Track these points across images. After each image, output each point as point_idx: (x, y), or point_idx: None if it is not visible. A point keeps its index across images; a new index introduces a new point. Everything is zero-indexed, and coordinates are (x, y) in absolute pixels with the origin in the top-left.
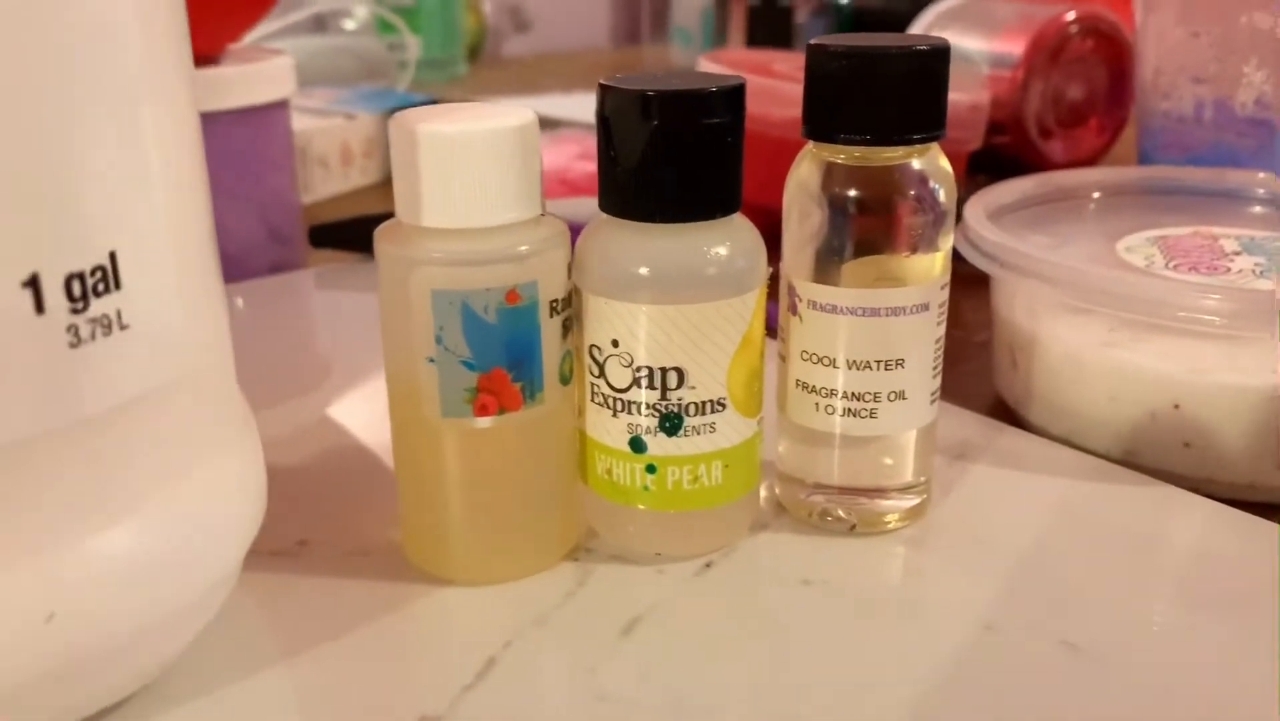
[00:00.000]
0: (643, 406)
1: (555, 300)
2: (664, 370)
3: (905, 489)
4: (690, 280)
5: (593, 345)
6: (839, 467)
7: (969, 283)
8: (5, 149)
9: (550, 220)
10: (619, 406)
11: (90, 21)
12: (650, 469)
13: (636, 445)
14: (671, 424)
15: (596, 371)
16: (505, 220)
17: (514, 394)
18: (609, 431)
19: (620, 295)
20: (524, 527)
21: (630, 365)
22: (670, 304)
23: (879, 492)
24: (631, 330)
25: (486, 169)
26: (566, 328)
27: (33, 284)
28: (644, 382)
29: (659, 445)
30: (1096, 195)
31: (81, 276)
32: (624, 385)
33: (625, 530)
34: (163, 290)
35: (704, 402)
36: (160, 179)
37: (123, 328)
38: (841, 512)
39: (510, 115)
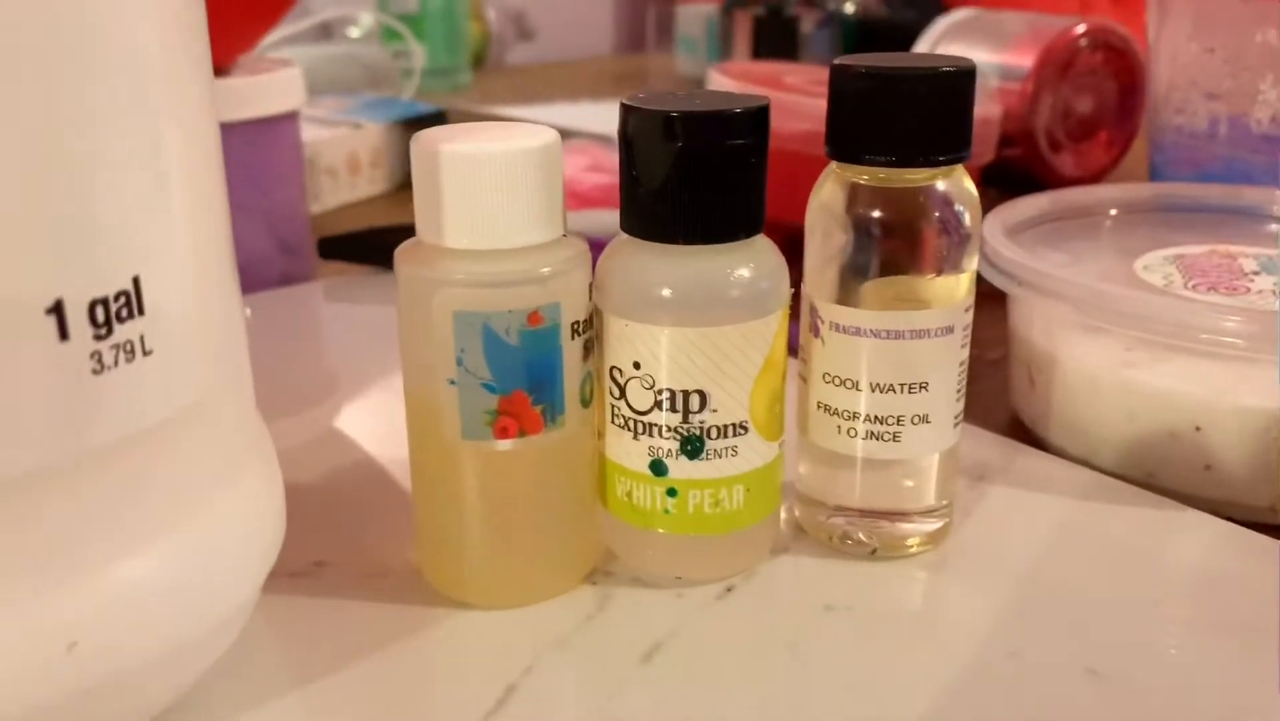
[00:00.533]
0: (664, 429)
1: (576, 322)
2: (686, 393)
3: (927, 512)
4: (713, 302)
5: (614, 367)
6: (860, 490)
7: (983, 299)
8: (30, 174)
9: (572, 240)
10: (640, 429)
11: (113, 46)
12: (671, 492)
13: (657, 468)
14: (693, 447)
15: (617, 393)
16: (529, 241)
17: (534, 417)
18: (629, 454)
19: (642, 317)
20: (542, 550)
21: (652, 387)
22: (692, 326)
23: (900, 516)
24: (653, 352)
25: (511, 189)
26: (588, 349)
27: (57, 310)
28: (665, 405)
29: (680, 468)
30: (1113, 212)
31: (105, 302)
32: (645, 407)
33: (645, 554)
34: (185, 315)
35: (726, 426)
36: (183, 203)
37: (146, 353)
38: (862, 536)
39: (533, 135)
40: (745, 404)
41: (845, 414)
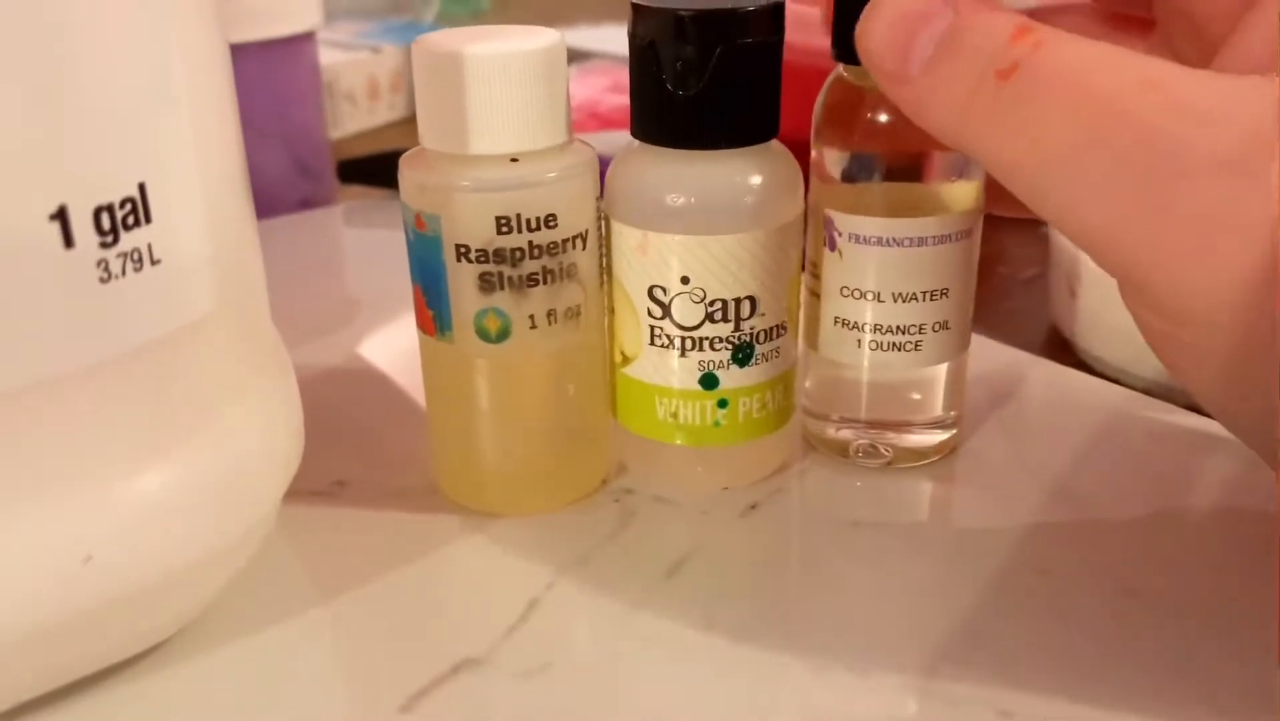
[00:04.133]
0: (715, 340)
1: (465, 246)
2: (738, 300)
3: (934, 423)
4: (761, 207)
5: (655, 286)
6: (872, 402)
7: (1014, 219)
8: (29, 78)
9: (488, 167)
10: (689, 345)
11: None
12: (722, 403)
13: (708, 381)
14: (744, 354)
15: (659, 313)
16: (483, 150)
17: (428, 317)
18: (675, 372)
19: (693, 229)
20: (545, 456)
21: (702, 300)
22: (744, 231)
23: (908, 426)
24: (705, 264)
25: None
26: (492, 284)
27: (60, 216)
28: (718, 316)
29: (731, 378)
30: None
31: (110, 209)
32: (695, 322)
33: (693, 471)
34: (194, 224)
35: (772, 328)
36: (189, 111)
37: (154, 262)
38: (880, 447)
39: (535, 36)
40: (785, 305)
41: (865, 326)
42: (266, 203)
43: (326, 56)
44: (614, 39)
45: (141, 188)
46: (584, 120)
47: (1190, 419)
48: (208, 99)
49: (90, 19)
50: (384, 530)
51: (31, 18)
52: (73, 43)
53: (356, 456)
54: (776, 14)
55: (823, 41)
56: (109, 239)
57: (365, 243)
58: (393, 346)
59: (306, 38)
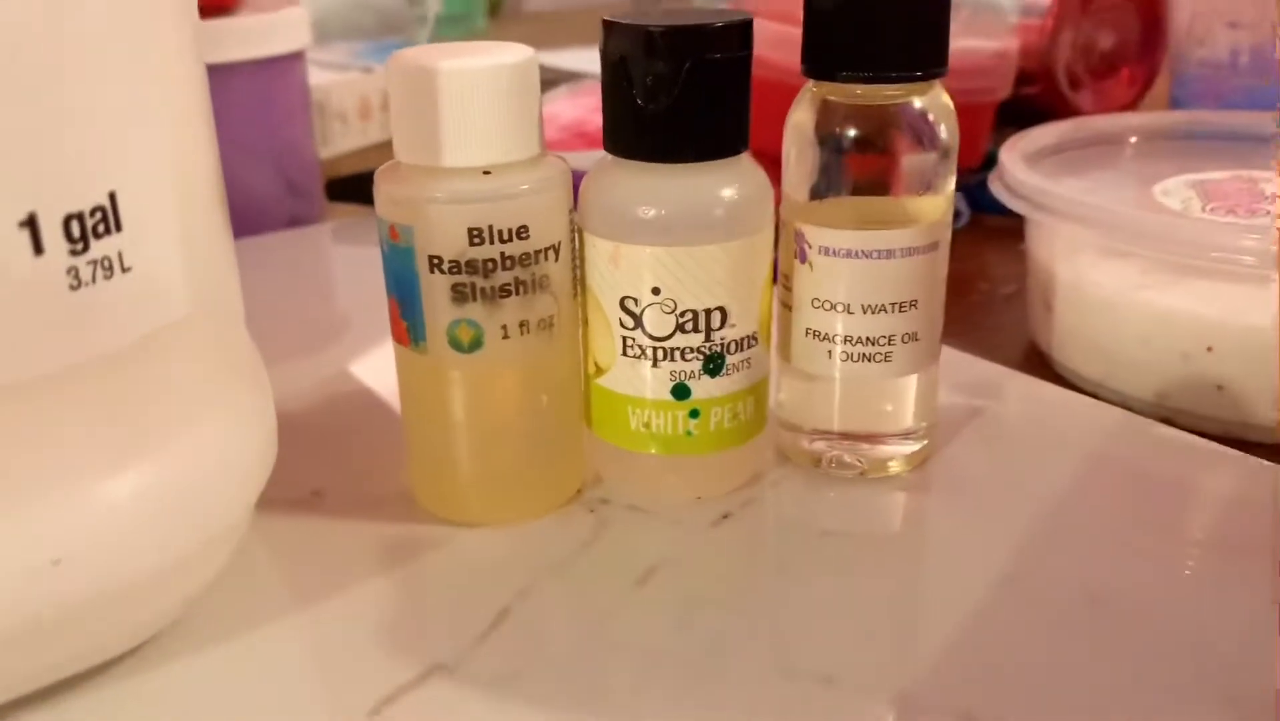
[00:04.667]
0: (686, 351)
1: (437, 257)
2: (708, 311)
3: (906, 434)
4: (732, 219)
5: (626, 297)
6: (843, 413)
7: (997, 235)
8: (1, 88)
9: (464, 181)
10: (660, 355)
11: None
12: (694, 413)
13: (680, 391)
14: (715, 365)
15: (631, 323)
16: (456, 163)
17: (402, 329)
18: (648, 383)
19: (664, 241)
20: (519, 467)
21: (674, 311)
22: (714, 243)
23: (881, 438)
24: (676, 275)
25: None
26: (465, 295)
27: (30, 224)
28: (689, 326)
29: (703, 388)
30: (1133, 140)
31: (80, 217)
32: (666, 332)
33: (665, 480)
34: (165, 232)
35: (743, 339)
36: (161, 118)
37: (124, 270)
38: (851, 459)
39: (508, 52)
40: (757, 315)
41: (836, 338)
42: (255, 220)
43: (319, 76)
44: None
45: (112, 196)
46: (572, 139)
47: (1162, 431)
48: (182, 110)
49: (65, 32)
50: (359, 538)
51: (5, 30)
52: (46, 55)
53: (334, 466)
54: (745, 30)
55: (795, 57)
56: (79, 246)
57: (353, 260)
58: (378, 362)
59: (295, 57)
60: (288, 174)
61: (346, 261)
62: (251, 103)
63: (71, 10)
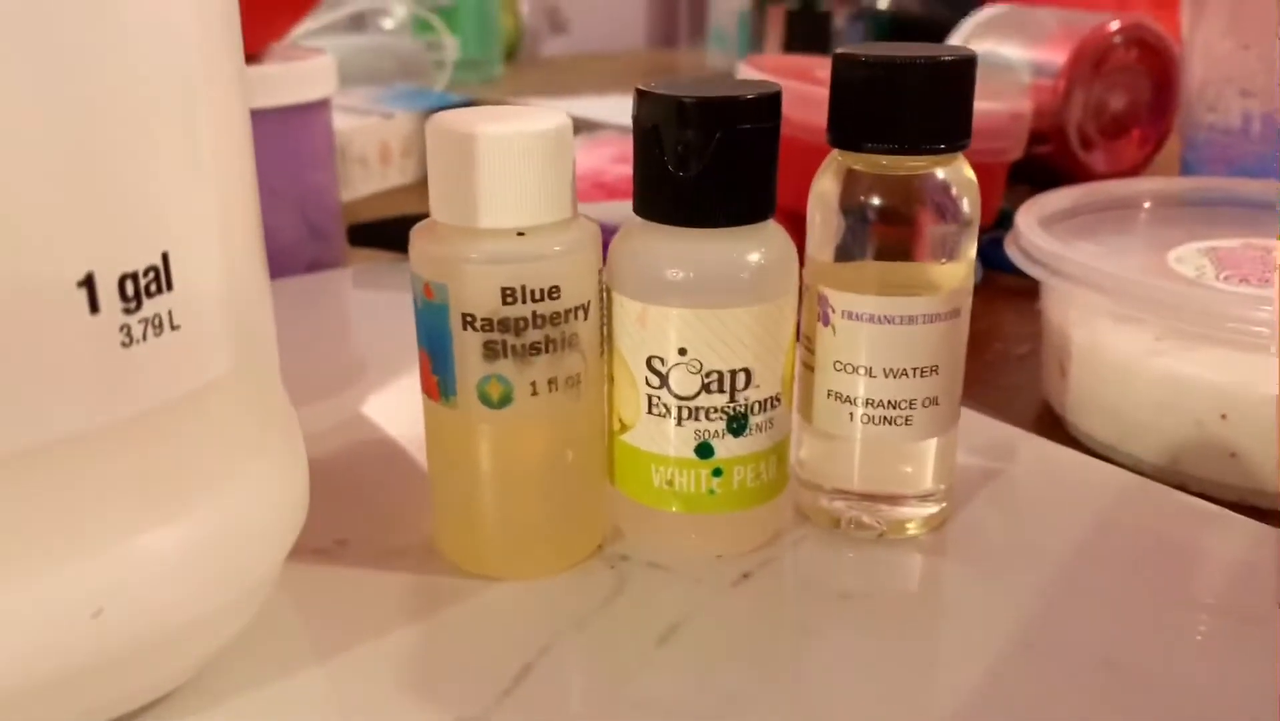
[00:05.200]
0: (711, 411)
1: (470, 315)
2: (733, 372)
3: (925, 496)
4: (758, 283)
5: (653, 356)
6: (863, 474)
7: (1011, 294)
8: (65, 151)
9: (498, 242)
10: (685, 414)
11: (150, 20)
12: (717, 472)
13: (704, 450)
14: (739, 425)
15: (657, 382)
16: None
17: (433, 383)
18: (671, 441)
19: (691, 303)
20: (542, 521)
21: (699, 371)
22: (740, 306)
23: (899, 499)
24: (702, 337)
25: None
26: (495, 351)
27: (88, 284)
28: (714, 387)
29: (726, 447)
30: (1147, 205)
31: (135, 277)
32: (691, 392)
33: (687, 538)
34: (213, 291)
35: (766, 399)
36: (214, 182)
37: (173, 328)
38: (870, 520)
39: (545, 118)
40: (780, 376)
41: (857, 400)
42: (277, 264)
43: (340, 121)
44: (618, 109)
45: (165, 256)
46: (589, 190)
47: (1178, 497)
48: (232, 168)
49: (124, 97)
50: (382, 590)
51: (69, 96)
52: (107, 120)
53: (358, 515)
54: (774, 101)
55: (822, 118)
56: (132, 305)
57: (373, 305)
58: (397, 407)
59: (321, 104)
60: (310, 218)
61: (367, 306)
62: (277, 148)
63: (137, 72)
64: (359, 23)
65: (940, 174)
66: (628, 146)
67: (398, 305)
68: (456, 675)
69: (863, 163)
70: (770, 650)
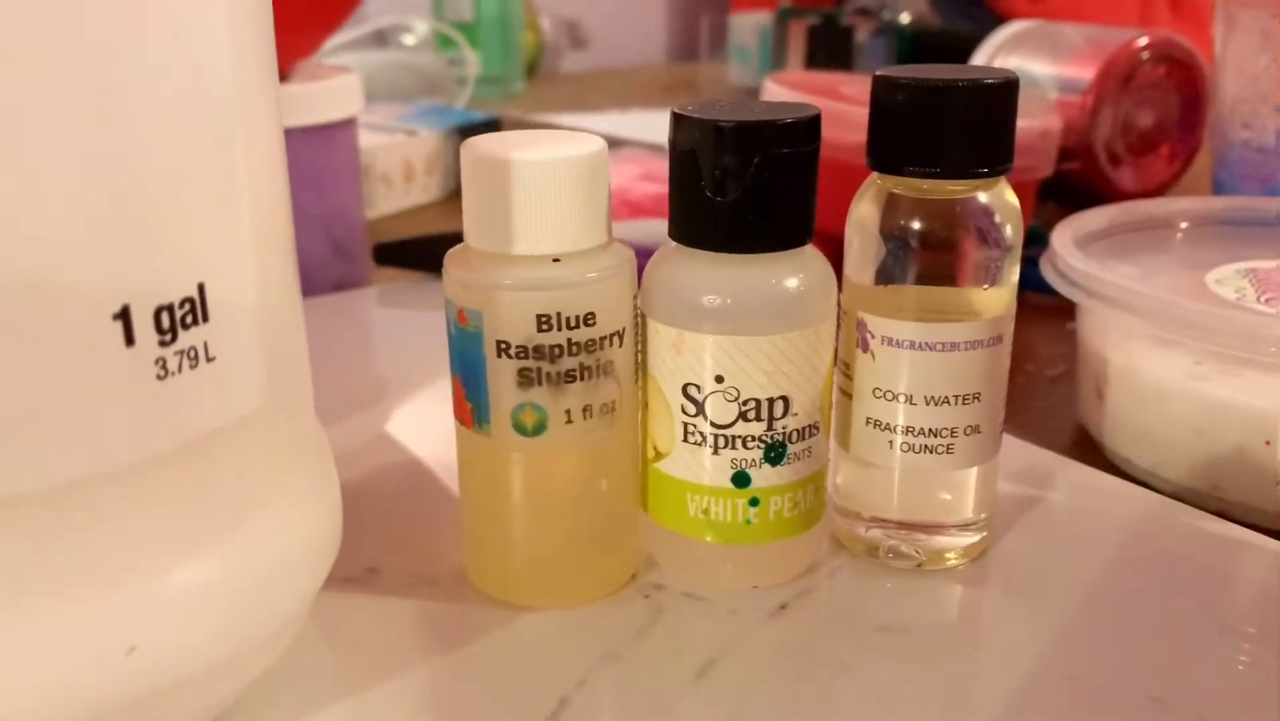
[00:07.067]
0: (748, 439)
1: (505, 342)
2: (771, 400)
3: (965, 525)
4: (796, 309)
5: (689, 384)
6: (903, 502)
7: (1043, 314)
8: (101, 182)
9: (535, 269)
10: (721, 443)
11: (185, 51)
12: (754, 502)
13: (740, 480)
14: (776, 453)
15: (693, 410)
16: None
17: (466, 410)
18: (708, 470)
19: (727, 330)
20: (574, 550)
21: (736, 399)
22: (778, 333)
23: (940, 528)
24: (739, 364)
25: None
26: (530, 379)
27: (123, 316)
28: (751, 415)
29: (763, 476)
30: (1184, 225)
31: (170, 309)
32: (728, 420)
33: (724, 568)
34: (249, 321)
35: (804, 428)
36: (249, 213)
37: (209, 360)
38: (909, 549)
39: (580, 143)
40: (819, 404)
41: (897, 428)
42: (302, 284)
43: (363, 138)
44: (641, 125)
45: (201, 288)
46: (616, 208)
47: (1218, 524)
48: (266, 196)
49: (160, 129)
50: (414, 619)
51: (105, 129)
52: (144, 152)
53: (388, 542)
54: (812, 125)
55: (852, 136)
56: (168, 337)
57: (399, 324)
58: (424, 430)
59: (347, 123)
60: (336, 238)
61: (393, 325)
62: (303, 168)
63: (174, 108)
64: (381, 39)
65: (983, 198)
66: (653, 164)
67: (424, 324)
68: (491, 708)
69: (903, 186)
70: (808, 685)
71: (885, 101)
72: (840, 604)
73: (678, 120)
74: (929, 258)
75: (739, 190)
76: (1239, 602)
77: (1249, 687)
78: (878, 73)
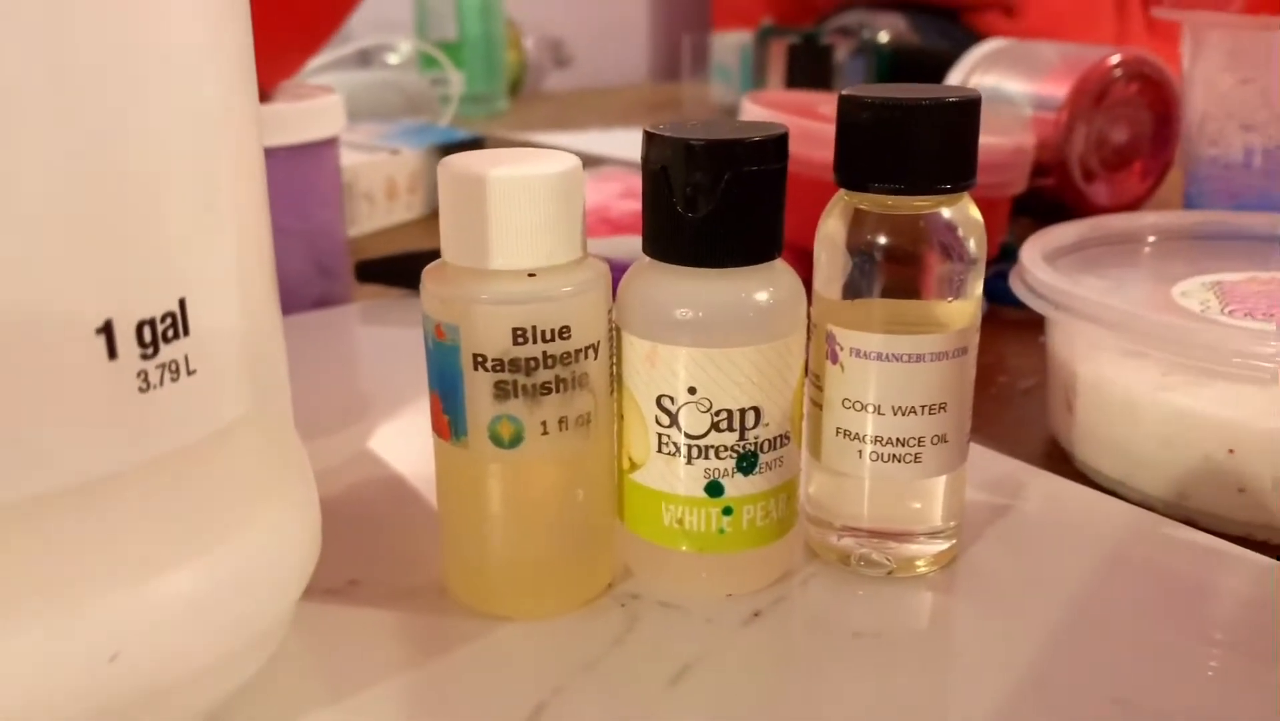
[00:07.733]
0: (720, 449)
1: (481, 355)
2: (743, 411)
3: (934, 533)
4: (767, 321)
5: (662, 395)
6: (873, 511)
7: (1016, 328)
8: (85, 199)
9: (505, 283)
10: (694, 453)
11: (167, 68)
12: (727, 511)
13: (714, 489)
14: (748, 463)
15: (667, 421)
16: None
17: (444, 423)
18: (681, 479)
19: (700, 342)
20: (549, 560)
21: (709, 410)
22: (749, 345)
23: (908, 536)
24: (711, 376)
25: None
26: (506, 391)
27: (106, 330)
28: (723, 425)
29: (735, 486)
30: (1151, 239)
31: (152, 323)
32: (701, 431)
33: (698, 577)
34: (229, 335)
35: (775, 438)
36: (231, 225)
37: (190, 373)
38: (880, 557)
39: (555, 160)
40: (789, 414)
41: (866, 438)
42: (284, 301)
43: (346, 157)
44: (622, 144)
45: (182, 303)
46: (595, 225)
47: (1186, 532)
48: (248, 212)
49: (143, 146)
50: (394, 630)
51: (88, 145)
52: (126, 168)
53: (369, 555)
54: (781, 143)
55: (826, 154)
56: (149, 351)
57: (381, 341)
58: (406, 445)
59: (330, 142)
60: (318, 255)
61: (374, 342)
62: (286, 186)
63: (158, 125)
64: (365, 58)
65: (946, 213)
66: (633, 181)
67: (405, 341)
68: (469, 716)
69: (869, 202)
70: (782, 690)
71: (851, 120)
72: (813, 611)
73: (650, 139)
74: (895, 271)
75: (710, 206)
76: (1207, 609)
77: (1216, 692)
78: (843, 92)
